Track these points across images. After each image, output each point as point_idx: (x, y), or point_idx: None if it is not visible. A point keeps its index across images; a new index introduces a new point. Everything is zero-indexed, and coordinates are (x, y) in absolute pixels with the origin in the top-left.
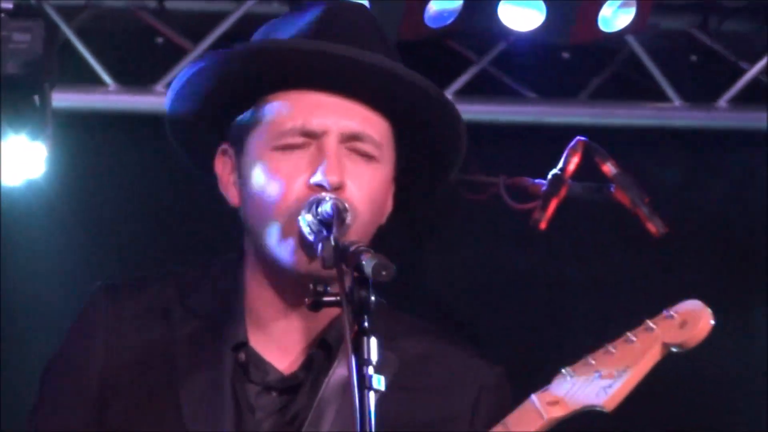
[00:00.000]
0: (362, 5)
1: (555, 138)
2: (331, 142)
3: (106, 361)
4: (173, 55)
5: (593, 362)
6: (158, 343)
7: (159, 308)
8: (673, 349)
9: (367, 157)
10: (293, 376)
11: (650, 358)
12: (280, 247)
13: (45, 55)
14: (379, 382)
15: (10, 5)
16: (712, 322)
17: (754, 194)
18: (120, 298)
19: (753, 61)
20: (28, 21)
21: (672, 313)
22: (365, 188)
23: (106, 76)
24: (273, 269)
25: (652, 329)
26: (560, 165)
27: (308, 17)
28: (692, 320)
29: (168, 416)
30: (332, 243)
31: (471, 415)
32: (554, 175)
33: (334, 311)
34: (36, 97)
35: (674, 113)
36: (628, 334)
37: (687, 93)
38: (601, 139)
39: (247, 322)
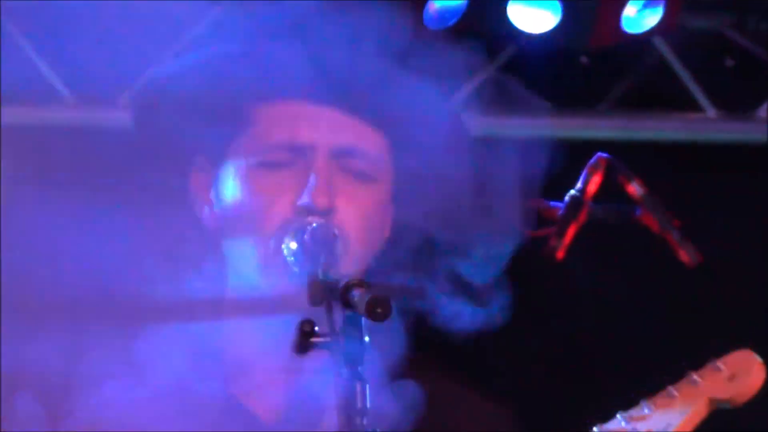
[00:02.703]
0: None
1: (573, 154)
2: (320, 159)
3: None
4: None
5: (629, 420)
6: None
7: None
8: (721, 406)
9: (362, 175)
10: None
11: (695, 415)
12: (260, 277)
13: None
14: None
15: None
16: (765, 374)
17: None
18: None
19: None
20: None
21: (719, 364)
22: (359, 211)
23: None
24: (252, 303)
25: (696, 383)
26: (579, 185)
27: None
28: (743, 373)
29: None
30: (320, 276)
31: None
32: (572, 197)
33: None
34: None
35: (708, 125)
36: (670, 388)
37: (722, 102)
38: (626, 155)
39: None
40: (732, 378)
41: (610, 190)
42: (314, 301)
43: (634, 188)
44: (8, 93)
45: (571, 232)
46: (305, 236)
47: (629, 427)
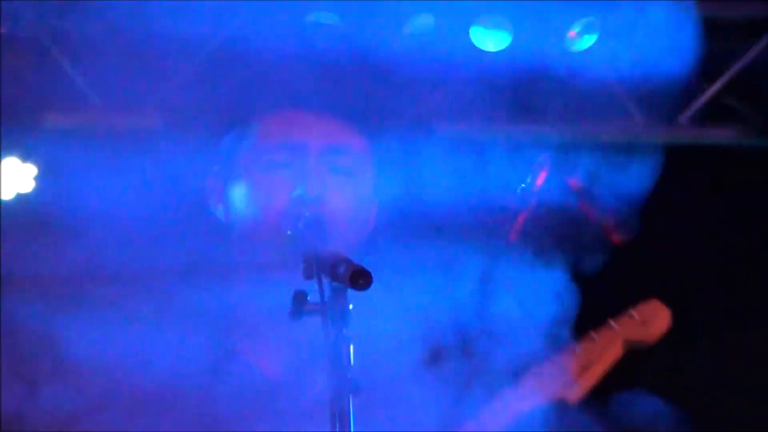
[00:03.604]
0: None
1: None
2: (311, 157)
3: None
4: None
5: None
6: None
7: None
8: (636, 346)
9: (346, 171)
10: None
11: (612, 354)
12: (264, 258)
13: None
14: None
15: (4, 30)
16: (670, 320)
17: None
18: None
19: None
20: (21, 46)
21: (633, 313)
22: (345, 201)
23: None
24: (257, 278)
25: (614, 328)
26: (529, 179)
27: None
28: (652, 319)
29: None
30: (312, 255)
31: None
32: (523, 189)
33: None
34: (29, 119)
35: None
36: (592, 333)
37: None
38: (568, 154)
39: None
40: (643, 323)
41: (554, 183)
42: (307, 275)
43: (575, 181)
44: (49, 102)
45: (521, 219)
46: (300, 224)
47: (558, 363)
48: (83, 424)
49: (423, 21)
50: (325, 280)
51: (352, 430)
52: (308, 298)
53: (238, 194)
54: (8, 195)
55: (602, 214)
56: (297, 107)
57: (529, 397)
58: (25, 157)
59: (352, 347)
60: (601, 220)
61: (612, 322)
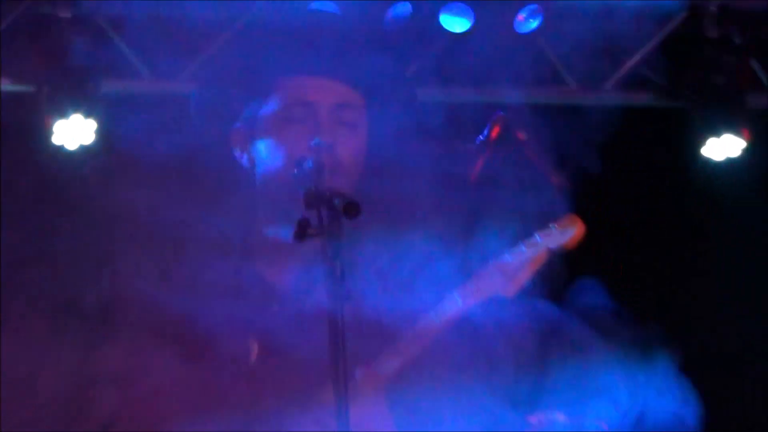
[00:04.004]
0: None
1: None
2: (323, 111)
3: None
4: None
5: (496, 263)
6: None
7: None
8: (558, 251)
9: (351, 124)
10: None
11: (537, 259)
12: (279, 194)
13: (96, 54)
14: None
15: (68, 14)
16: (584, 229)
17: None
18: None
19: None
20: (83, 27)
21: (552, 225)
22: (350, 149)
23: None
24: (275, 212)
25: (537, 239)
26: (485, 132)
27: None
28: (569, 228)
29: None
30: (312, 190)
31: None
32: (481, 140)
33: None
34: (90, 85)
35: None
36: (521, 244)
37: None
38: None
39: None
40: (562, 233)
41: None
42: (309, 206)
43: (522, 134)
44: (105, 71)
45: (479, 164)
46: (305, 164)
47: (497, 268)
48: None
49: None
50: (323, 211)
51: (343, 328)
52: (310, 223)
53: (263, 145)
54: (73, 146)
55: (543, 161)
56: (310, 74)
57: (473, 295)
58: (87, 114)
59: (346, 267)
60: (542, 165)
61: (537, 235)
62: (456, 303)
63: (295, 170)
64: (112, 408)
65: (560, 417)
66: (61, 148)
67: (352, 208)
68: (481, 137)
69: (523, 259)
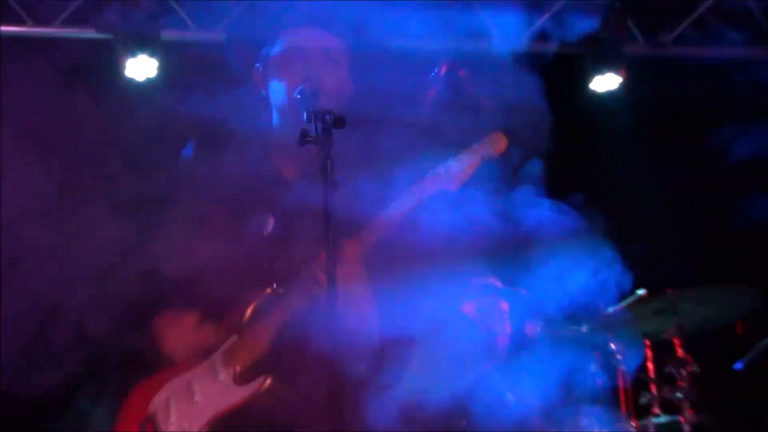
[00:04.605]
0: None
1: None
2: (316, 55)
3: None
4: None
5: (437, 174)
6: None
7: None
8: (487, 159)
9: (336, 61)
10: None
11: (473, 164)
12: (286, 112)
13: (156, 10)
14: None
15: None
16: (506, 140)
17: None
18: None
19: None
20: None
21: (484, 138)
22: (336, 81)
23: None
24: (285, 129)
25: (474, 147)
26: (437, 70)
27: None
28: (495, 141)
29: None
30: (311, 109)
31: None
32: (431, 76)
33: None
34: (152, 33)
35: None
36: (460, 154)
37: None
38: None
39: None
40: (491, 144)
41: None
42: (308, 120)
43: (462, 72)
44: (163, 23)
45: (432, 92)
46: (304, 91)
47: (449, 167)
48: None
49: None
50: (318, 123)
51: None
52: (308, 133)
53: (275, 82)
54: (141, 77)
55: (489, 108)
56: (306, 26)
57: (427, 189)
58: (151, 54)
59: (336, 163)
60: (477, 95)
61: (474, 145)
62: (413, 196)
63: (298, 96)
64: (175, 273)
65: (497, 282)
66: (131, 81)
67: (339, 122)
68: (433, 73)
69: (463, 163)
